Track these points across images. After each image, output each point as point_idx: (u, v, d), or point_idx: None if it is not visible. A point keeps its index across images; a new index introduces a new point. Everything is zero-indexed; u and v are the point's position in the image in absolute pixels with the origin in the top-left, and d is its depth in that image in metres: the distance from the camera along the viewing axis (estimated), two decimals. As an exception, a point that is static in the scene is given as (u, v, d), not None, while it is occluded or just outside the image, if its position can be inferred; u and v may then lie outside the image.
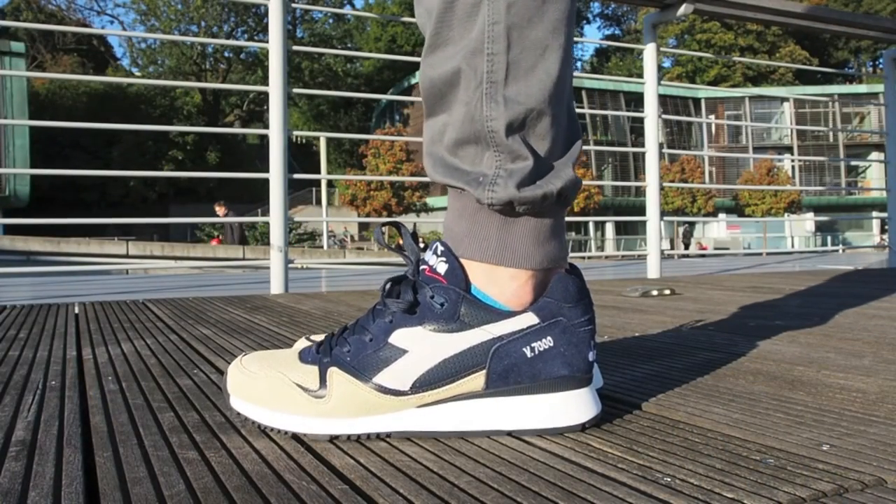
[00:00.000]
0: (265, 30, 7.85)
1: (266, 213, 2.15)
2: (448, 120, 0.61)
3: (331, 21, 35.94)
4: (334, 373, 0.57)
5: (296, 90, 2.25)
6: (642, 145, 2.66)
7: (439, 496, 0.43)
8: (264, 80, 2.86)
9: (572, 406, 0.58)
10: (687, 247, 20.44)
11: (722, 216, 24.14)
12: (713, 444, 0.53)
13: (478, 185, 0.58)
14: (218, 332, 1.17)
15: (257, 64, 32.65)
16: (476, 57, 0.57)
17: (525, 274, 0.59)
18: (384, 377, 0.56)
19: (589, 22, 45.89)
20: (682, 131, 29.65)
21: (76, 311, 1.49)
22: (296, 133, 2.30)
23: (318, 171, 21.60)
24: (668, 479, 0.46)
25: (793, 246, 20.63)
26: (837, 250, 7.64)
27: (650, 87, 2.60)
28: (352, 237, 23.81)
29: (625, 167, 27.75)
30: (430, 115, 0.63)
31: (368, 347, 0.57)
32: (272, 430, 0.57)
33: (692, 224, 23.90)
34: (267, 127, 2.12)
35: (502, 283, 0.59)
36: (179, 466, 0.49)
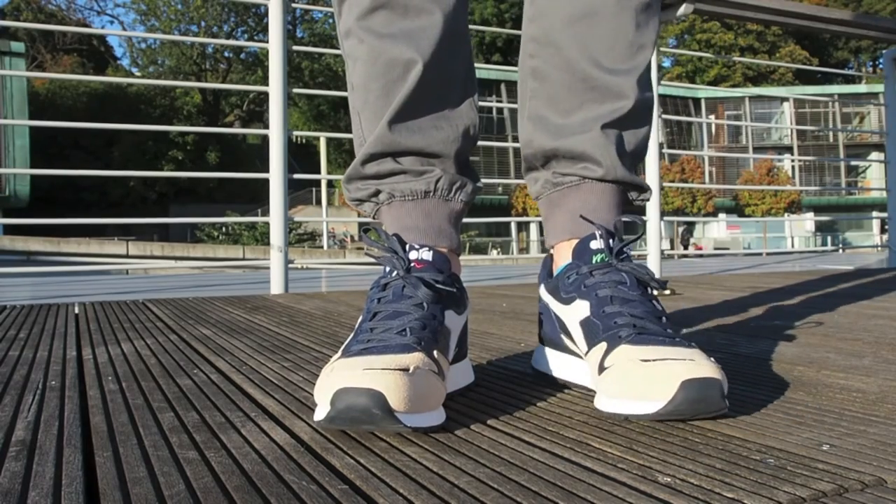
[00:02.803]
0: (265, 30, 7.85)
1: (266, 213, 2.15)
2: None
3: (331, 21, 35.90)
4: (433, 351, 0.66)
5: (296, 90, 2.25)
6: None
7: (439, 496, 0.43)
8: (264, 80, 2.86)
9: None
10: (685, 248, 20.41)
11: (722, 216, 24.12)
12: (713, 444, 0.53)
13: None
14: (218, 332, 1.17)
15: (257, 64, 32.63)
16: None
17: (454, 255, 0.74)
18: (444, 350, 0.66)
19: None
20: (682, 131, 29.63)
21: (76, 311, 1.49)
22: (296, 133, 2.30)
23: (318, 171, 21.58)
24: (668, 479, 0.46)
25: (793, 246, 20.61)
26: (837, 250, 7.64)
27: (650, 87, 2.60)
28: (352, 237, 23.80)
29: (625, 167, 27.64)
30: None
31: (436, 323, 0.65)
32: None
33: (691, 225, 23.90)
34: (267, 127, 2.12)
35: (455, 263, 0.74)
36: (179, 466, 0.49)
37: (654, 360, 0.59)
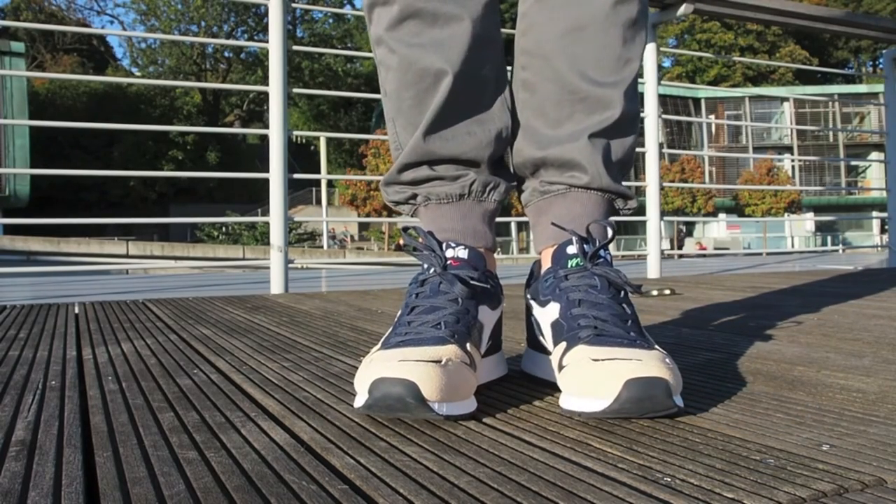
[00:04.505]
0: (265, 30, 7.85)
1: (266, 213, 2.15)
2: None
3: (331, 21, 35.88)
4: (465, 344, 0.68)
5: (296, 90, 2.25)
6: (642, 145, 2.66)
7: (439, 496, 0.43)
8: (264, 80, 2.86)
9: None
10: (680, 247, 20.30)
11: (722, 216, 24.10)
12: (713, 444, 0.53)
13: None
14: (218, 332, 1.17)
15: (257, 64, 32.61)
16: None
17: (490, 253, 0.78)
18: (476, 343, 0.69)
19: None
20: (682, 131, 29.61)
21: (76, 311, 1.49)
22: (296, 133, 2.30)
23: (318, 171, 21.58)
24: (668, 479, 0.46)
25: (793, 246, 20.59)
26: (837, 250, 7.63)
27: (650, 87, 2.60)
28: (352, 237, 23.81)
29: (625, 167, 27.62)
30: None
31: (470, 317, 0.69)
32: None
33: (688, 225, 23.88)
34: (267, 127, 2.12)
35: (490, 260, 0.77)
36: (179, 466, 0.49)
37: (603, 360, 0.61)
